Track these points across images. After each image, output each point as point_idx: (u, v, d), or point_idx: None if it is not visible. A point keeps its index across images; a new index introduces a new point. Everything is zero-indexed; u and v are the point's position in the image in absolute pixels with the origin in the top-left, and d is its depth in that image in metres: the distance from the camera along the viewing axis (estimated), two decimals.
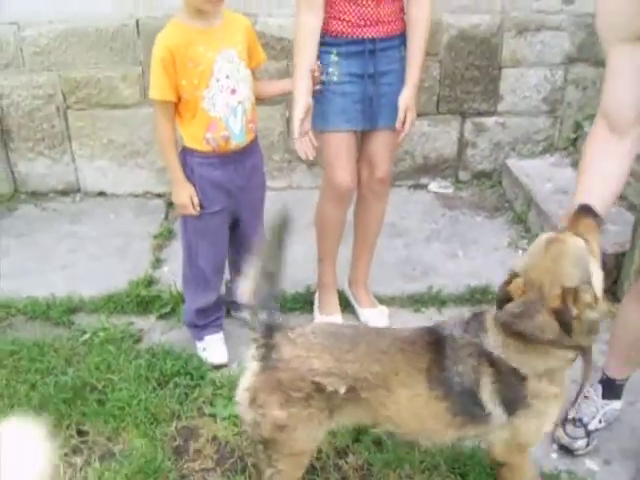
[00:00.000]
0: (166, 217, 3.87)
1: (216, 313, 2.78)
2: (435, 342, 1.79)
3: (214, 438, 2.35)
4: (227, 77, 2.40)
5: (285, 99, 3.77)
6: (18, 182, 4.05)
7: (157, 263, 3.41)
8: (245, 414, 1.83)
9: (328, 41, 2.50)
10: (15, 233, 3.67)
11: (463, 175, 4.13)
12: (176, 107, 2.43)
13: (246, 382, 1.82)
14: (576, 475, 2.19)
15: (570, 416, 2.30)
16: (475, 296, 3.05)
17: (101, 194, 4.08)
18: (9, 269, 3.32)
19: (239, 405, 1.85)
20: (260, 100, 2.63)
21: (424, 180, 4.10)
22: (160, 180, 4.06)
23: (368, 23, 2.47)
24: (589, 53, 3.81)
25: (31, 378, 2.57)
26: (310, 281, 3.09)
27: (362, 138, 2.73)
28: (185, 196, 2.51)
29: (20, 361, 2.67)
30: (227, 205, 2.58)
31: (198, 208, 2.53)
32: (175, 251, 3.45)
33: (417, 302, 3.05)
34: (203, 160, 2.48)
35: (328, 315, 2.91)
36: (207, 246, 2.63)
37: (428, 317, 2.94)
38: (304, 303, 3.04)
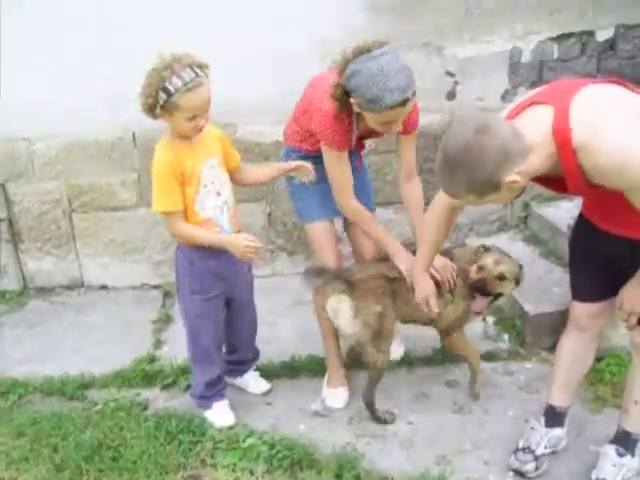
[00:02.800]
0: (163, 305, 4.26)
1: (221, 384, 3.12)
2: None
3: None
4: (212, 182, 2.79)
5: (265, 196, 4.28)
6: (27, 279, 4.47)
7: (157, 344, 3.78)
8: (351, 327, 2.91)
9: (303, 155, 3.02)
10: (27, 324, 4.06)
11: None
12: None
13: (345, 306, 2.89)
14: None
15: (520, 446, 2.69)
16: (438, 357, 3.45)
17: (103, 287, 4.50)
18: (24, 355, 3.69)
19: (347, 330, 2.95)
20: (249, 185, 3.10)
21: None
22: (156, 273, 4.50)
23: None
24: None
25: (52, 442, 2.91)
26: (294, 351, 3.51)
27: (348, 226, 3.24)
28: (241, 239, 2.75)
29: (41, 429, 3.00)
30: (223, 289, 2.95)
31: (257, 244, 2.76)
32: (173, 333, 3.87)
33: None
34: (200, 254, 2.83)
35: (333, 388, 3.22)
36: (209, 327, 2.99)
37: (399, 376, 3.36)
38: (289, 370, 3.42)
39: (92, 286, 4.50)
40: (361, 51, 2.52)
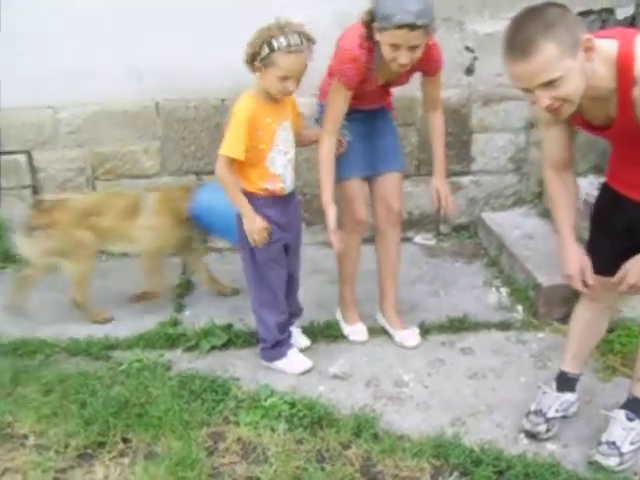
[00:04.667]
0: (184, 272, 4.36)
1: (288, 330, 3.33)
2: None
3: (239, 439, 2.79)
4: (283, 142, 3.01)
5: None
6: None
7: (179, 308, 3.89)
8: None
9: None
10: (51, 288, 4.12)
11: (443, 228, 4.69)
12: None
13: None
14: (540, 455, 2.66)
15: (532, 409, 2.79)
16: (454, 324, 3.56)
17: (124, 254, 4.58)
18: (49, 317, 3.79)
19: None
20: (305, 145, 3.28)
21: (410, 234, 4.62)
22: None
23: (366, 105, 3.23)
24: None
25: (80, 398, 3.02)
26: (311, 318, 3.61)
27: (374, 183, 3.39)
28: (259, 222, 2.99)
29: (69, 387, 3.10)
30: (281, 236, 3.13)
31: (267, 233, 3.03)
32: (194, 299, 4.01)
33: None
34: (262, 202, 3.04)
35: (354, 324, 3.52)
36: (275, 270, 3.18)
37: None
38: (308, 335, 3.50)
39: (115, 253, 4.58)
40: None
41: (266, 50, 2.75)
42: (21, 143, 4.34)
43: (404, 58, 2.78)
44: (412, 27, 2.69)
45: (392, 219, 3.41)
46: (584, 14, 4.29)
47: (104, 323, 3.73)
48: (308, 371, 3.23)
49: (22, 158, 4.37)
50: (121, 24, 4.08)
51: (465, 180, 4.57)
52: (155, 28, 4.07)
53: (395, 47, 2.76)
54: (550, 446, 2.72)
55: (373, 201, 3.43)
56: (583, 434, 2.77)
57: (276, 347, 3.25)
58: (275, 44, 2.74)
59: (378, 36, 2.81)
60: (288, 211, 3.15)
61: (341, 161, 3.20)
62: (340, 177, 3.23)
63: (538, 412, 2.76)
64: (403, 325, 3.49)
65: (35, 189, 4.45)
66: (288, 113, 3.04)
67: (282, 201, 3.11)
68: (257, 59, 2.79)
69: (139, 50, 4.12)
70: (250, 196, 3.03)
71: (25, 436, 2.89)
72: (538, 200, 4.56)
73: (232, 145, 2.90)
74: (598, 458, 2.62)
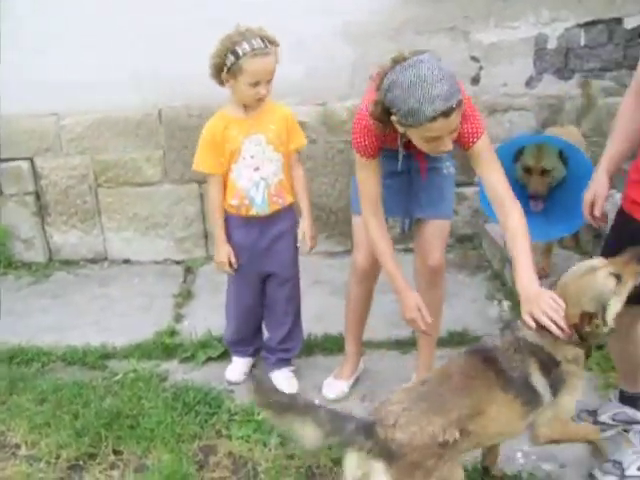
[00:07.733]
0: (184, 280, 4.35)
1: (244, 347, 3.31)
2: (486, 357, 2.21)
3: (230, 453, 2.77)
4: (252, 157, 2.92)
5: None
6: (53, 252, 4.58)
7: (178, 318, 3.87)
8: None
9: None
10: (51, 295, 4.17)
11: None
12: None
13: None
14: (536, 475, 2.61)
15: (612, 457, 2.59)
16: (454, 338, 3.49)
17: (126, 261, 4.59)
18: (48, 324, 3.80)
19: None
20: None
21: (411, 244, 4.55)
22: (179, 248, 4.59)
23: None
24: None
25: (73, 409, 3.00)
26: (310, 330, 3.53)
27: (415, 231, 2.96)
28: (222, 255, 3.03)
29: (63, 397, 3.09)
30: (248, 261, 3.06)
31: (234, 267, 3.05)
32: (193, 308, 3.97)
33: (403, 345, 3.48)
34: (232, 220, 3.03)
35: (335, 378, 3.19)
36: (233, 290, 3.22)
37: (413, 357, 3.39)
38: (305, 348, 3.42)
39: (115, 260, 4.60)
40: (397, 61, 2.27)
41: (231, 59, 2.70)
42: (24, 150, 4.34)
43: (447, 145, 2.34)
44: (448, 113, 2.21)
45: (427, 274, 2.93)
46: (591, 24, 4.24)
47: None
48: (235, 383, 3.22)
49: (25, 165, 4.37)
50: (122, 33, 4.07)
51: (469, 191, 4.51)
52: (156, 36, 4.06)
53: (433, 139, 2.32)
54: (546, 466, 2.66)
55: (413, 250, 3.04)
56: (581, 455, 2.70)
57: (229, 347, 3.37)
58: (240, 51, 2.68)
59: (404, 130, 2.34)
60: (267, 235, 3.00)
61: None
62: (355, 211, 2.90)
63: (616, 464, 2.58)
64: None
65: (38, 196, 4.45)
66: (266, 127, 2.92)
67: (257, 224, 3.01)
68: (224, 70, 2.74)
69: (141, 58, 4.12)
70: (226, 214, 3.03)
71: (17, 446, 2.89)
72: None
73: (197, 159, 2.98)
74: (596, 474, 2.58)
